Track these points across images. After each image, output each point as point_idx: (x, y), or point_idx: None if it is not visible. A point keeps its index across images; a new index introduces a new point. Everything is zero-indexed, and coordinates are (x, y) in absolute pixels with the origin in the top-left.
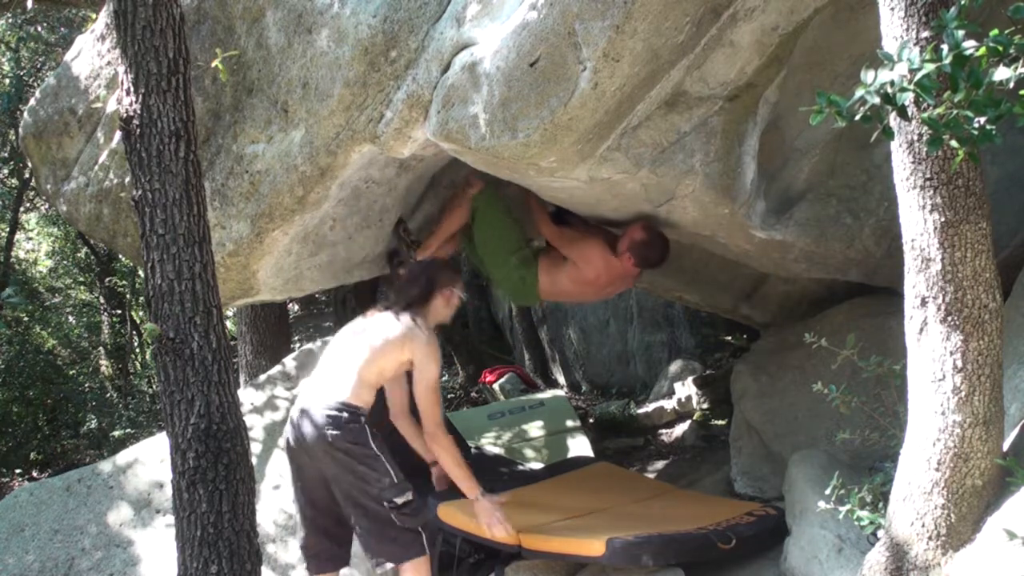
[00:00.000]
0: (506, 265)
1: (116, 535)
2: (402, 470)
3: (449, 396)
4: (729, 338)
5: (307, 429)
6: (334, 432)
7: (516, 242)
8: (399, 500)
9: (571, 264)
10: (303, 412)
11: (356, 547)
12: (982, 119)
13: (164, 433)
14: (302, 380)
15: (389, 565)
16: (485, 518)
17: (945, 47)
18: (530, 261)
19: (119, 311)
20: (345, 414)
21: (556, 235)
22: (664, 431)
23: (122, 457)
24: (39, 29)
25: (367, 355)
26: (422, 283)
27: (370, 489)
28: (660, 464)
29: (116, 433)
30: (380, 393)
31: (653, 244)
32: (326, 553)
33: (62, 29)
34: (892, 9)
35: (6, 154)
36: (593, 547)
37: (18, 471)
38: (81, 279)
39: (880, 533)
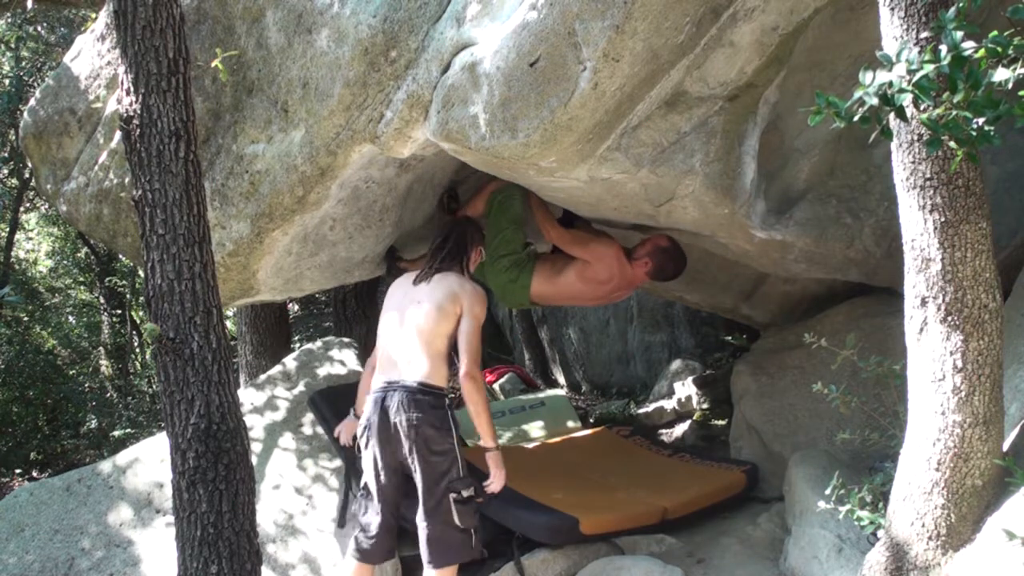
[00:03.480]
0: (497, 265)
1: (116, 535)
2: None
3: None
4: (729, 338)
5: (392, 412)
6: (418, 415)
7: (513, 246)
8: (465, 493)
9: (581, 263)
10: (388, 393)
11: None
12: (981, 120)
13: (164, 433)
14: (303, 380)
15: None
16: (495, 469)
17: (944, 48)
18: (523, 263)
19: (119, 311)
20: (429, 397)
21: (565, 238)
22: (664, 431)
23: (122, 457)
24: (39, 29)
25: (431, 324)
26: (458, 241)
27: (440, 481)
28: None
29: (116, 433)
30: None
31: (674, 257)
32: (382, 544)
33: (62, 29)
34: (892, 9)
35: (6, 154)
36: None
37: (18, 471)
38: (81, 279)
39: (880, 533)
